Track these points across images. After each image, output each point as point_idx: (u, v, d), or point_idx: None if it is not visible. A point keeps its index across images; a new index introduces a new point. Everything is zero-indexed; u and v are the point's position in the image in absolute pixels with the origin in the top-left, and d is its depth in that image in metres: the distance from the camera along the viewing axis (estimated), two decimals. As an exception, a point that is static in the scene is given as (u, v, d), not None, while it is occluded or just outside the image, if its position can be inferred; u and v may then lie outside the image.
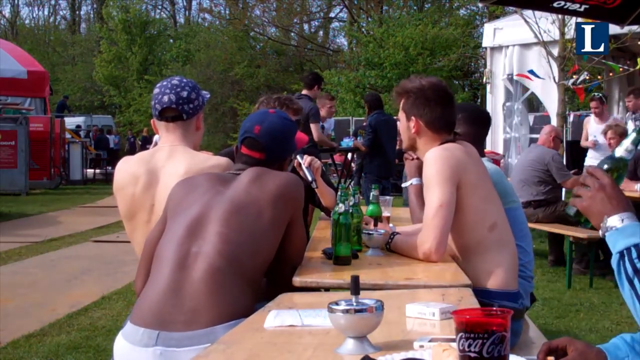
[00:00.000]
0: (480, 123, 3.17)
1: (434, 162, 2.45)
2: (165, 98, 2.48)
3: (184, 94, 2.49)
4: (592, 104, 8.22)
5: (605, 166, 1.59)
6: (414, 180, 3.04)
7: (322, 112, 8.26)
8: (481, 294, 2.35)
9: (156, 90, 2.52)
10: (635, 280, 1.36)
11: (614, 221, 1.45)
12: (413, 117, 2.60)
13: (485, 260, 2.48)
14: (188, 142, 2.52)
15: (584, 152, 8.78)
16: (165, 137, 2.52)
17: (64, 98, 24.19)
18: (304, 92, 7.28)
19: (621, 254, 1.40)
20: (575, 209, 1.55)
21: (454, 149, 2.50)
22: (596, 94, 8.44)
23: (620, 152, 1.59)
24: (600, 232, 1.48)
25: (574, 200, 1.52)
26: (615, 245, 1.42)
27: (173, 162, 2.45)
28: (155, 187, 2.42)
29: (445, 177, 2.41)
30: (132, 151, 26.38)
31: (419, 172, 2.94)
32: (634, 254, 1.39)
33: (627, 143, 1.59)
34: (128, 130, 29.82)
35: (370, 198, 2.92)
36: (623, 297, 1.41)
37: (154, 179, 2.44)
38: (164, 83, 2.53)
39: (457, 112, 2.77)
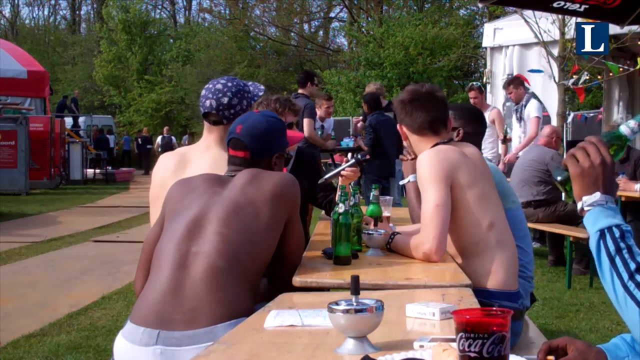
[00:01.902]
0: (480, 121, 3.20)
1: (426, 163, 2.49)
2: (208, 103, 2.62)
3: (225, 100, 2.60)
4: (471, 94, 7.90)
5: (608, 135, 1.55)
6: (411, 177, 3.05)
7: (320, 112, 8.27)
8: (481, 294, 2.35)
9: (203, 92, 2.66)
10: (617, 259, 1.36)
11: (600, 200, 1.44)
12: (399, 125, 2.73)
13: (484, 260, 2.49)
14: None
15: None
16: (206, 136, 2.68)
17: (64, 98, 24.21)
18: (300, 91, 7.42)
19: (602, 232, 1.40)
20: (565, 174, 1.50)
21: (446, 150, 2.54)
22: (475, 83, 8.15)
23: (625, 130, 1.55)
24: (580, 205, 1.46)
25: (568, 159, 1.48)
26: (597, 222, 1.42)
27: (204, 156, 2.59)
28: (181, 174, 2.50)
29: (437, 178, 2.44)
30: (139, 152, 26.48)
31: (414, 168, 2.97)
32: (617, 234, 1.39)
33: (633, 123, 1.55)
34: (137, 131, 29.78)
35: (371, 198, 2.92)
36: (600, 276, 1.40)
37: (182, 167, 2.57)
38: (210, 86, 2.66)
39: (454, 112, 2.90)
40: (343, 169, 3.09)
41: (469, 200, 2.48)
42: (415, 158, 2.91)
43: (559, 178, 1.54)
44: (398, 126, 2.74)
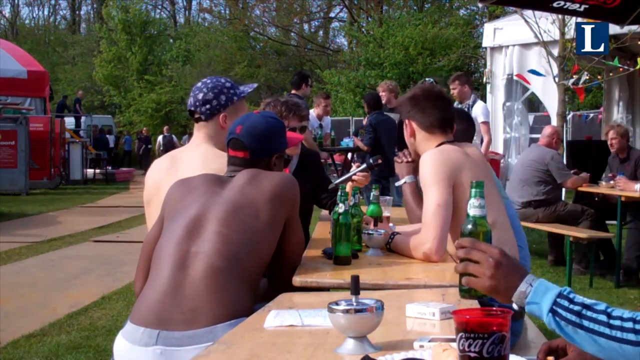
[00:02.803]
0: (464, 120, 3.23)
1: (429, 164, 2.50)
2: (189, 101, 2.67)
3: (200, 96, 2.62)
4: None
5: (469, 227, 1.59)
6: (407, 179, 3.05)
7: (318, 110, 8.27)
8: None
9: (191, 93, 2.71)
10: (585, 322, 1.31)
11: (525, 289, 1.37)
12: (407, 120, 2.71)
13: None
14: (215, 141, 2.64)
15: (584, 151, 8.76)
16: (195, 135, 2.70)
17: (64, 98, 24.23)
18: (293, 92, 7.39)
19: (552, 311, 1.34)
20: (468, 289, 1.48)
21: (449, 150, 2.55)
22: (428, 79, 7.75)
23: (473, 211, 1.59)
24: (516, 306, 1.39)
25: (469, 280, 1.42)
26: (541, 308, 1.36)
27: (194, 153, 2.61)
28: (174, 173, 2.51)
29: (440, 178, 2.45)
30: (139, 152, 26.51)
31: (410, 170, 2.97)
32: (565, 303, 1.34)
33: (473, 200, 1.59)
34: (137, 132, 29.75)
35: (371, 198, 2.93)
36: (582, 347, 1.34)
37: (174, 166, 2.58)
38: (195, 85, 2.70)
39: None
40: (354, 174, 3.09)
41: None
42: (412, 161, 2.92)
43: (465, 289, 1.55)
44: (406, 122, 2.71)
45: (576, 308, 1.32)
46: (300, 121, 3.54)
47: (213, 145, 2.61)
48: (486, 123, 7.35)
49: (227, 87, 2.65)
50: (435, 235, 2.38)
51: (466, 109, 7.24)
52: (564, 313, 1.33)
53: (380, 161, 3.15)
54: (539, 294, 1.36)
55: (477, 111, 7.27)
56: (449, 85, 7.63)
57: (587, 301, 1.34)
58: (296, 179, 2.31)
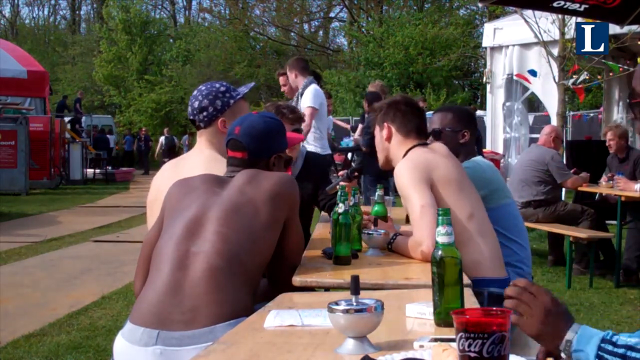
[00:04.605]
0: (475, 122, 3.33)
1: (403, 173, 2.57)
2: (188, 110, 2.71)
3: (196, 104, 2.65)
4: (281, 80, 6.45)
5: (440, 253, 1.63)
6: None
7: None
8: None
9: None
10: None
11: (571, 338, 1.36)
12: (385, 124, 2.80)
13: (468, 251, 2.52)
14: (216, 146, 2.65)
15: (584, 151, 8.77)
16: (199, 140, 2.73)
17: (64, 98, 24.22)
18: None
19: (598, 357, 1.33)
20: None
21: (417, 154, 2.64)
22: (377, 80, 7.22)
23: (440, 239, 1.64)
24: (563, 355, 1.38)
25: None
26: (587, 355, 1.35)
27: (197, 158, 2.64)
28: (178, 176, 2.50)
29: (416, 182, 2.51)
30: (139, 152, 26.49)
31: None
32: (609, 347, 1.33)
33: (438, 228, 1.66)
34: (139, 130, 29.72)
35: (376, 198, 2.95)
36: None
37: (178, 170, 2.59)
38: (192, 94, 2.74)
39: (457, 114, 3.10)
40: (338, 183, 3.16)
41: (449, 193, 2.56)
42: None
43: (441, 322, 1.59)
44: (384, 125, 2.79)
45: (620, 351, 1.32)
46: (292, 124, 3.53)
47: (215, 150, 2.63)
48: (311, 108, 5.75)
49: (222, 92, 2.66)
50: (428, 233, 2.39)
51: (296, 100, 6.00)
52: (610, 357, 1.32)
53: (356, 173, 3.27)
54: (583, 341, 1.36)
55: (307, 96, 5.83)
56: (278, 78, 6.64)
57: (630, 342, 1.33)
58: (299, 179, 2.31)
